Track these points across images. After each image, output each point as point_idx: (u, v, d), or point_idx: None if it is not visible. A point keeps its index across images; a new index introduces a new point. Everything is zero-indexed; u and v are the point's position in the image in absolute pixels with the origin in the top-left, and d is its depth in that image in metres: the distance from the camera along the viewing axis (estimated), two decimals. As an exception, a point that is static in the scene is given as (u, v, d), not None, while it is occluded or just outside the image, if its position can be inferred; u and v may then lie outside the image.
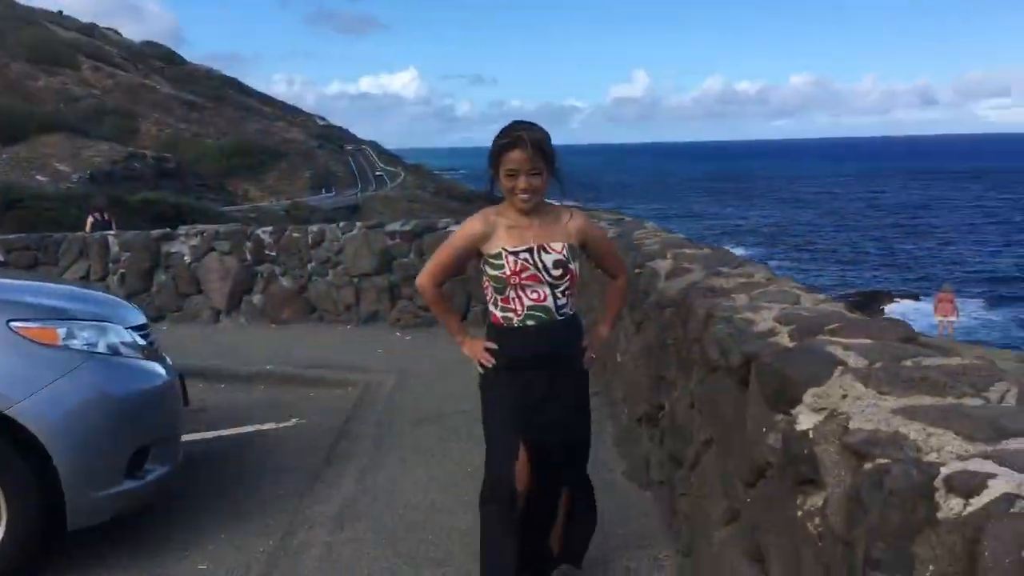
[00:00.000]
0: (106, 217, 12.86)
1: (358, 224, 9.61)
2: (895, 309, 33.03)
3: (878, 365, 2.18)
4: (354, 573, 3.68)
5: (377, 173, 77.72)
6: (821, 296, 3.37)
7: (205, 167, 54.80)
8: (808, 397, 2.14)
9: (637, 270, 4.75)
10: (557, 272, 3.05)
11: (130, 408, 4.02)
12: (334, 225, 9.74)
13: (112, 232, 10.68)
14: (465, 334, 3.26)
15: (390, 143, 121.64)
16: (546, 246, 3.05)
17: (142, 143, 52.95)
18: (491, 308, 3.15)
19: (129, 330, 4.40)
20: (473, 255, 3.14)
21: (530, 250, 3.02)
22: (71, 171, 38.69)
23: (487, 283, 3.10)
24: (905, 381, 2.00)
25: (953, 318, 22.17)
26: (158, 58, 78.53)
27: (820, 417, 2.07)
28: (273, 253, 9.71)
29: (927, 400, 1.91)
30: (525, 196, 2.97)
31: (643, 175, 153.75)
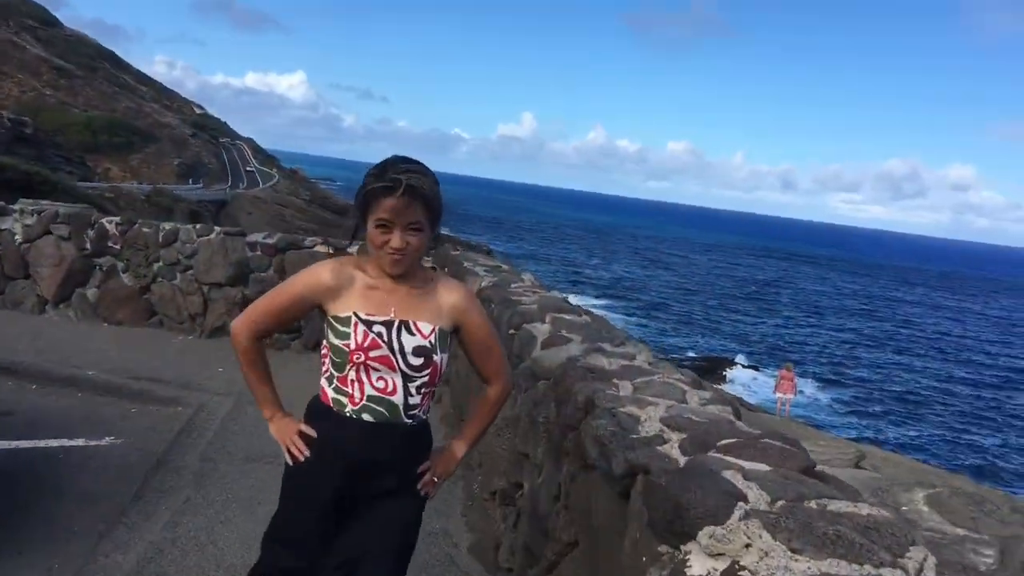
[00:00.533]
0: None
1: (216, 228, 8.89)
2: (737, 376, 34.41)
3: (781, 504, 1.94)
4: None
5: (248, 168, 75.42)
6: (707, 394, 3.15)
7: (67, 138, 51.69)
8: (704, 537, 1.86)
9: (511, 331, 4.44)
10: (417, 361, 2.36)
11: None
12: (190, 226, 8.99)
13: (-65, 196, 9.55)
14: (276, 409, 2.55)
15: (268, 143, 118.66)
16: (411, 324, 2.37)
17: (0, 102, 49.28)
18: (323, 383, 2.43)
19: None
20: (310, 309, 2.44)
21: (388, 324, 2.35)
22: (-87, 119, 35.44)
23: (325, 351, 2.41)
24: (818, 537, 1.74)
25: (791, 396, 23.09)
26: (32, 17, 73.63)
27: (717, 564, 1.79)
28: (117, 246, 8.87)
29: (844, 569, 1.65)
30: (397, 257, 2.30)
31: (518, 214, 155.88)
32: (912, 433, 30.05)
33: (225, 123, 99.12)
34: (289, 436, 2.46)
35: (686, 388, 3.14)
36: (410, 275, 2.41)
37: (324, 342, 2.41)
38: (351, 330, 2.32)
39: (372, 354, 2.32)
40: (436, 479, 2.55)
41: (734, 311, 56.56)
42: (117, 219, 9.13)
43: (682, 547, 1.93)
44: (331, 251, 8.31)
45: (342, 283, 2.37)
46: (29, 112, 48.53)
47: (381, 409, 2.36)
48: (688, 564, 1.86)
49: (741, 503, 1.92)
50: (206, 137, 78.47)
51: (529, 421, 3.69)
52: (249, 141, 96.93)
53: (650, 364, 3.64)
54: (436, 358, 2.39)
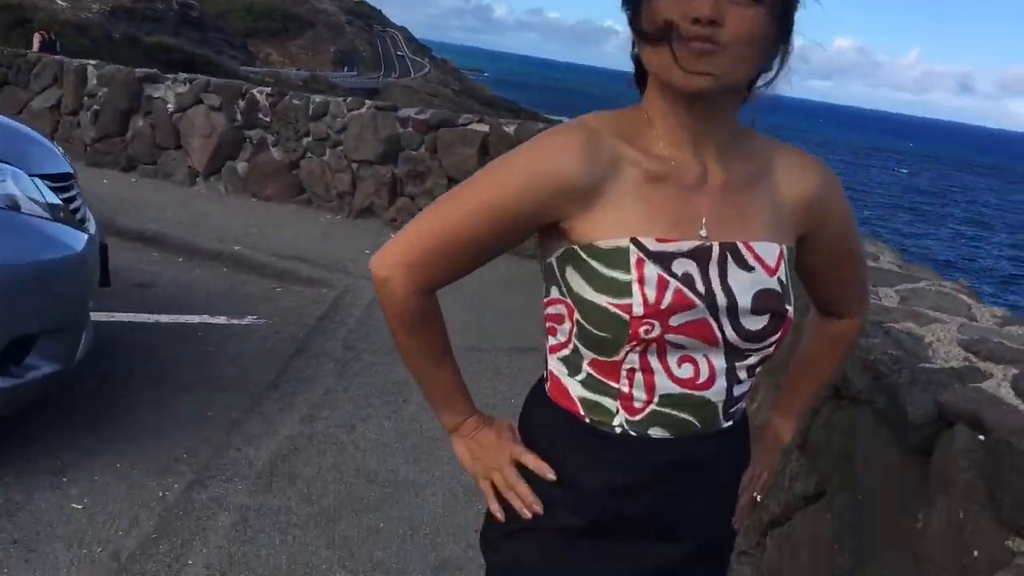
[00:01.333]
0: (54, 38, 12.28)
1: (367, 102, 8.35)
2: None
3: None
4: (264, 567, 2.69)
5: (399, 54, 75.88)
6: (998, 310, 2.32)
7: (230, 23, 53.06)
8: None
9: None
10: (757, 324, 1.12)
11: (13, 283, 2.96)
12: (340, 99, 8.51)
13: (93, 62, 9.44)
14: (466, 413, 1.30)
15: (420, 32, 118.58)
16: (740, 248, 1.12)
17: (169, -14, 50.73)
18: (556, 369, 1.21)
19: (37, 179, 3.32)
20: (529, 233, 1.16)
21: (702, 255, 1.10)
22: (92, 1, 36.98)
23: (559, 308, 1.17)
24: None
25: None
26: (196, -103, 74.90)
27: None
28: (267, 119, 8.50)
29: None
30: (700, 44, 1.00)
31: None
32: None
33: (379, 11, 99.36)
34: (503, 474, 1.23)
35: (969, 301, 2.33)
36: (730, 136, 1.15)
37: (554, 291, 1.17)
38: (632, 275, 1.07)
39: (675, 321, 1.08)
40: (758, 496, 1.36)
41: (892, 219, 53.10)
42: (267, 90, 8.76)
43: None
44: (488, 129, 7.60)
45: (598, 176, 1.09)
46: (195, -4, 49.82)
47: (687, 417, 1.15)
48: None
49: None
50: (361, 24, 78.96)
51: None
52: (402, 30, 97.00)
53: (900, 267, 2.82)
54: (789, 310, 1.14)
